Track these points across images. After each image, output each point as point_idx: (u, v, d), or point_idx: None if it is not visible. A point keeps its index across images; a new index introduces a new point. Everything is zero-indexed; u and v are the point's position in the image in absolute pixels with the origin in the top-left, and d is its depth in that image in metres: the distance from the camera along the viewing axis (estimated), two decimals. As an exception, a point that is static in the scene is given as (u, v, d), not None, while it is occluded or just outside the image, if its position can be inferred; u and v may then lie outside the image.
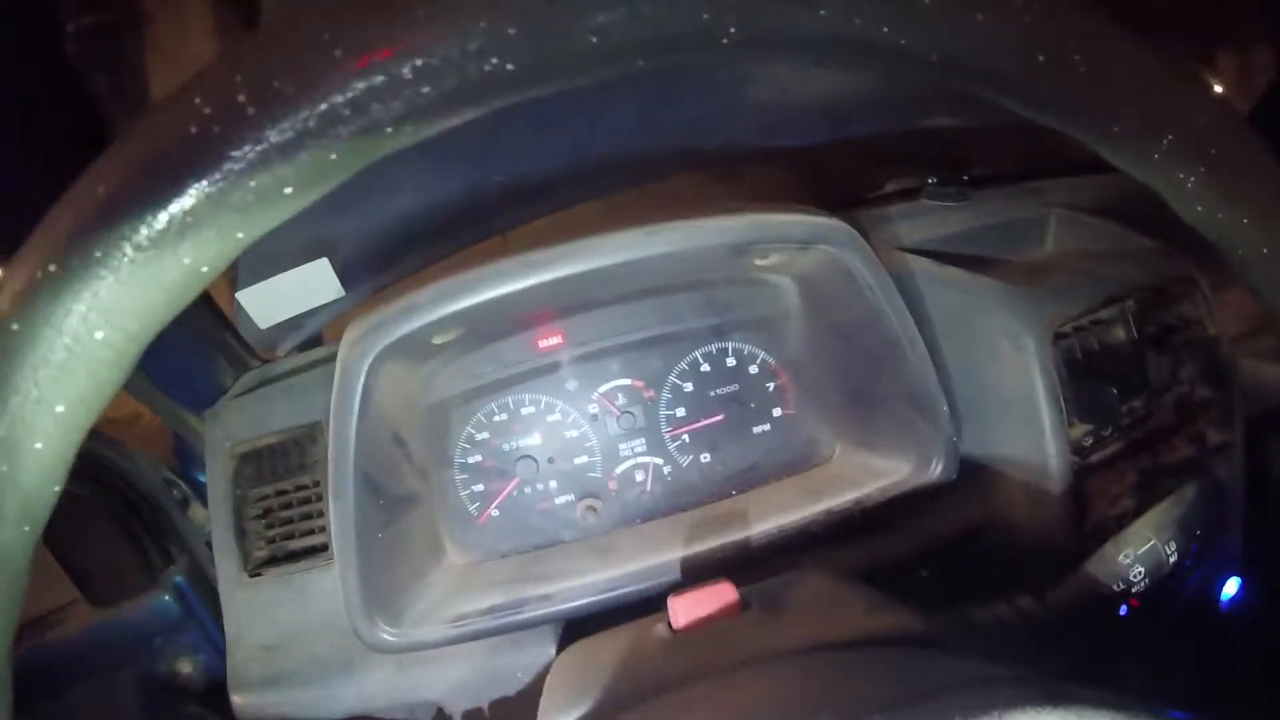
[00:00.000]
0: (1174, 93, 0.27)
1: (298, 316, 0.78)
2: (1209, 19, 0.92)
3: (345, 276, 0.77)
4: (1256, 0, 0.91)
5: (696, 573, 0.66)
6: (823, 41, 0.23)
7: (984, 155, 0.98)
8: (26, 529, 0.24)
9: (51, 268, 0.21)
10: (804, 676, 0.36)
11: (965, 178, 0.92)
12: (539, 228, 0.87)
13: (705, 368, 0.78)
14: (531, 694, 0.69)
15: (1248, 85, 0.89)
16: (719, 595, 0.48)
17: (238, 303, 0.75)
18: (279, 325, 0.78)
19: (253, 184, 0.21)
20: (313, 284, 0.76)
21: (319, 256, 0.75)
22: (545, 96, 0.23)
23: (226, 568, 0.72)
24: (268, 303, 0.75)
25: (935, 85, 0.26)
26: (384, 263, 0.83)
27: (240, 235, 0.23)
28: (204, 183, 0.21)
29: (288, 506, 0.73)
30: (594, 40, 0.21)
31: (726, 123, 0.90)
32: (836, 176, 1.10)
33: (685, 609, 0.47)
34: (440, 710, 0.69)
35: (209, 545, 0.79)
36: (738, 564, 0.67)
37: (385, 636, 0.61)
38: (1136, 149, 0.28)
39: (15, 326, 0.21)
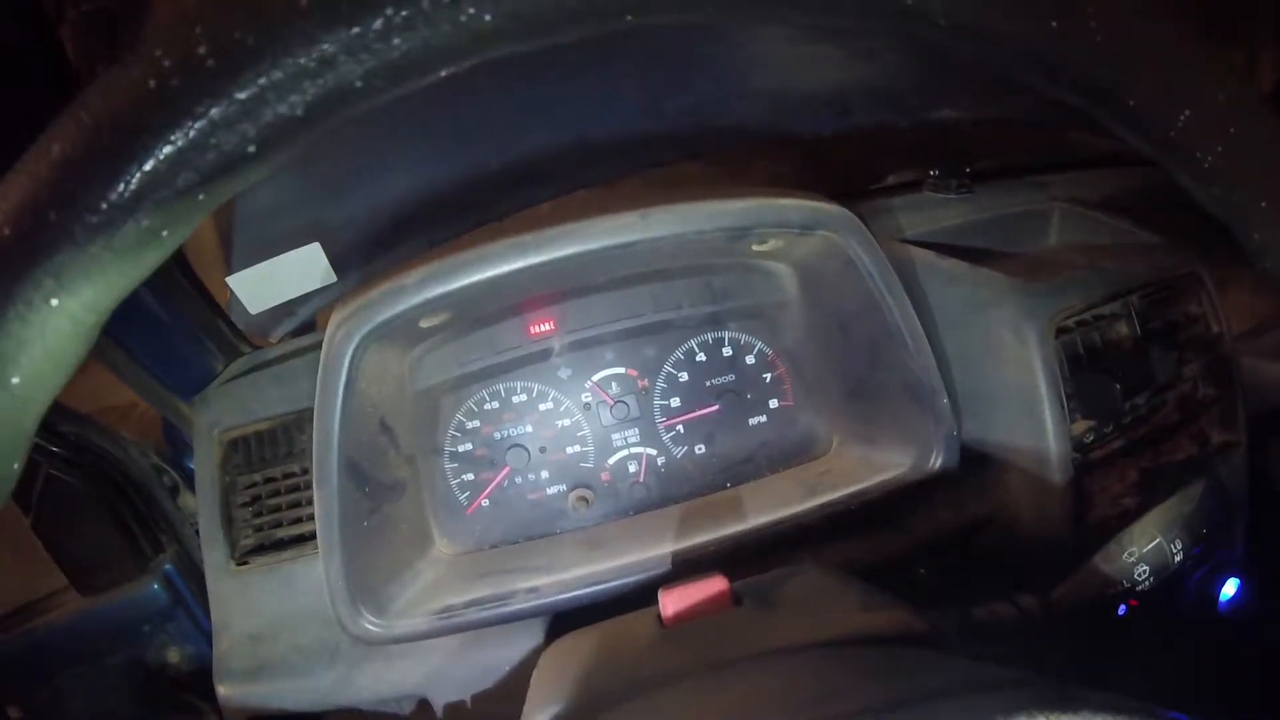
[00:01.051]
0: (1193, 66, 0.26)
1: (290, 302, 0.77)
2: (1212, 23, 0.91)
3: (339, 262, 0.76)
4: (1259, 5, 0.90)
5: (689, 567, 0.64)
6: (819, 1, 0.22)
7: (987, 148, 0.97)
8: None
9: (4, 231, 0.20)
10: (798, 675, 0.35)
11: (968, 170, 0.91)
12: (538, 214, 0.86)
13: (701, 357, 0.77)
14: (520, 687, 0.67)
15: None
16: (710, 589, 0.47)
17: (229, 287, 0.74)
18: (271, 311, 0.77)
19: (214, 142, 0.20)
20: (305, 269, 0.75)
21: (312, 241, 0.74)
22: (540, 73, 0.21)
23: (213, 556, 0.71)
24: (259, 287, 0.74)
25: (945, 53, 0.25)
26: (379, 248, 0.82)
27: (202, 197, 0.21)
28: (162, 141, 0.20)
29: (275, 494, 0.72)
30: None
31: (729, 110, 0.89)
32: (839, 166, 1.09)
33: (675, 603, 0.46)
34: (427, 703, 0.68)
35: (198, 533, 0.78)
36: (732, 558, 0.66)
37: (369, 627, 0.60)
38: (1153, 125, 0.26)
39: None
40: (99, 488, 0.76)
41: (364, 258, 0.81)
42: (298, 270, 0.75)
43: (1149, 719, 0.26)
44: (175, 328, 0.75)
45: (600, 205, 0.62)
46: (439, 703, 0.68)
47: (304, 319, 0.83)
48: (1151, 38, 0.25)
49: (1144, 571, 0.55)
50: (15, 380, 0.21)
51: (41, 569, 0.74)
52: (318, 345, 0.76)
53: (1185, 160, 0.27)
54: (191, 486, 0.83)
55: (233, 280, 0.73)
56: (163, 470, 0.83)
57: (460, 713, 0.68)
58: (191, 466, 0.79)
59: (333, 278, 0.76)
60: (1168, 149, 0.27)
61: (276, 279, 0.75)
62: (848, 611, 0.45)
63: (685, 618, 0.46)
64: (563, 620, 0.67)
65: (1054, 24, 0.24)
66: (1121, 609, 0.58)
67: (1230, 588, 0.77)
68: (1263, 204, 0.27)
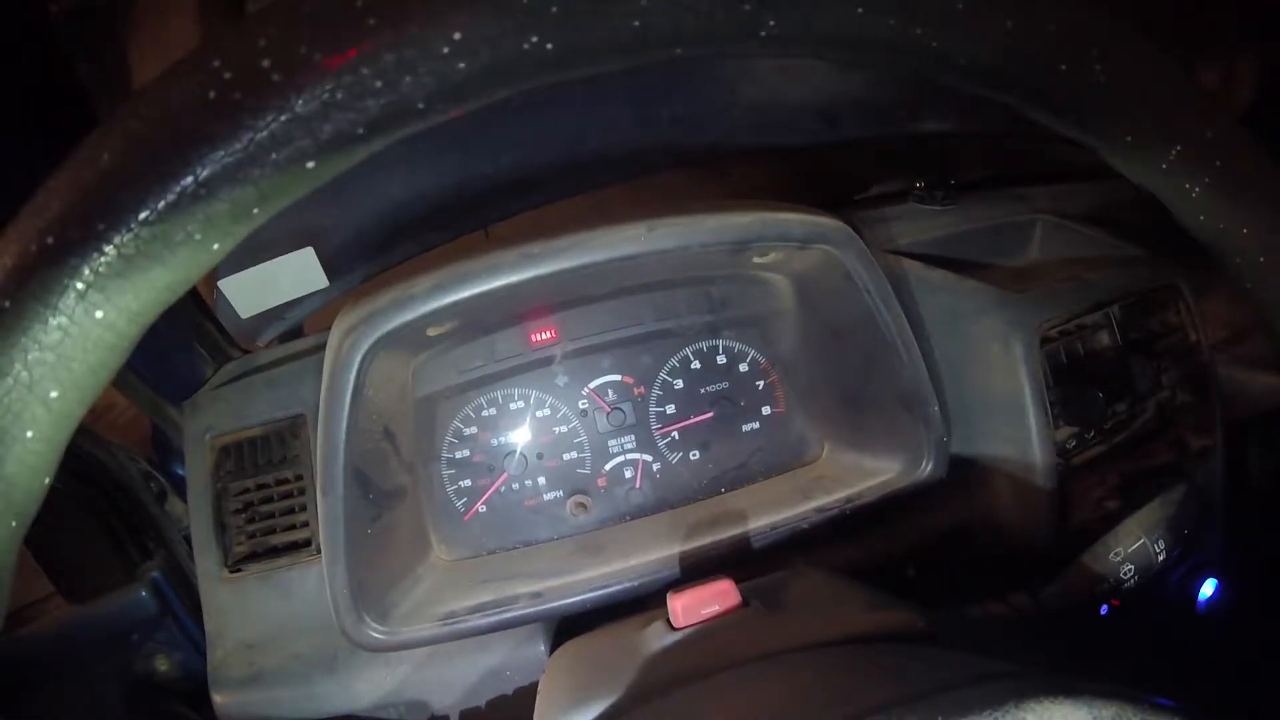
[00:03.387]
0: (1185, 104, 0.28)
1: (280, 307, 0.76)
2: (1191, 31, 0.94)
3: (329, 266, 0.75)
4: (1238, 13, 0.93)
5: (687, 570, 0.65)
6: (856, 41, 0.23)
7: (972, 160, 0.99)
8: (13, 524, 0.22)
9: (49, 241, 0.20)
10: (811, 674, 0.36)
11: (952, 182, 0.93)
12: (523, 222, 0.86)
13: (695, 365, 0.78)
14: (524, 694, 0.68)
15: (1229, 98, 0.91)
16: (720, 593, 0.47)
17: (219, 291, 0.73)
18: (261, 315, 0.76)
19: (273, 156, 0.20)
20: (297, 273, 0.74)
21: (304, 245, 0.74)
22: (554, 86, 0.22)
23: (206, 563, 0.70)
24: (250, 291, 0.74)
25: (960, 90, 0.26)
26: (369, 253, 0.81)
27: (256, 211, 0.22)
28: (221, 153, 0.20)
29: (269, 501, 0.71)
30: (635, 24, 0.20)
31: (717, 121, 0.90)
32: (824, 177, 1.11)
33: (685, 605, 0.47)
34: (429, 711, 0.68)
35: (187, 540, 0.77)
36: (728, 562, 0.67)
37: (373, 634, 0.60)
38: (1146, 159, 0.28)
39: (6, 304, 0.20)
40: (87, 494, 0.75)
41: (354, 263, 0.80)
42: (290, 274, 0.74)
43: (1143, 705, 0.27)
44: (165, 331, 0.74)
45: (589, 215, 0.62)
46: (441, 710, 0.68)
47: (293, 324, 0.82)
48: (1150, 80, 0.27)
49: (1129, 570, 0.57)
50: (54, 394, 0.21)
51: (28, 576, 0.73)
52: (310, 350, 0.76)
53: (1174, 190, 0.29)
54: (179, 492, 0.82)
55: (224, 284, 0.73)
56: (150, 476, 0.82)
57: (461, 718, 0.68)
58: (179, 472, 0.78)
59: (325, 282, 0.76)
60: (1157, 181, 0.29)
61: (268, 283, 0.74)
62: (853, 612, 0.47)
63: (694, 620, 0.47)
64: (564, 625, 0.67)
65: (1063, 67, 0.25)
66: (1104, 609, 0.60)
67: (1208, 588, 0.79)
68: (1244, 230, 0.30)
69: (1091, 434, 0.73)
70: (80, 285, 0.20)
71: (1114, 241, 0.83)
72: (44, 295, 0.20)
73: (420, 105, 0.21)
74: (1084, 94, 0.26)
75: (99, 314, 0.21)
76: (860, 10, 0.22)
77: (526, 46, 0.20)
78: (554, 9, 0.20)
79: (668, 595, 0.48)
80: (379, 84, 0.20)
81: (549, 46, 0.20)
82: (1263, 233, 0.30)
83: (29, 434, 0.21)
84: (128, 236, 0.20)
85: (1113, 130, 0.27)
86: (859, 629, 0.44)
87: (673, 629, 0.47)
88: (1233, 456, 0.81)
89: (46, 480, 0.23)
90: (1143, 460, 0.76)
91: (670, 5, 0.21)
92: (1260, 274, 0.31)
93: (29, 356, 0.20)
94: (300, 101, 0.20)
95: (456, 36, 0.20)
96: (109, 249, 0.20)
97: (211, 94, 0.20)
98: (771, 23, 0.22)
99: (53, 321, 0.20)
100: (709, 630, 0.46)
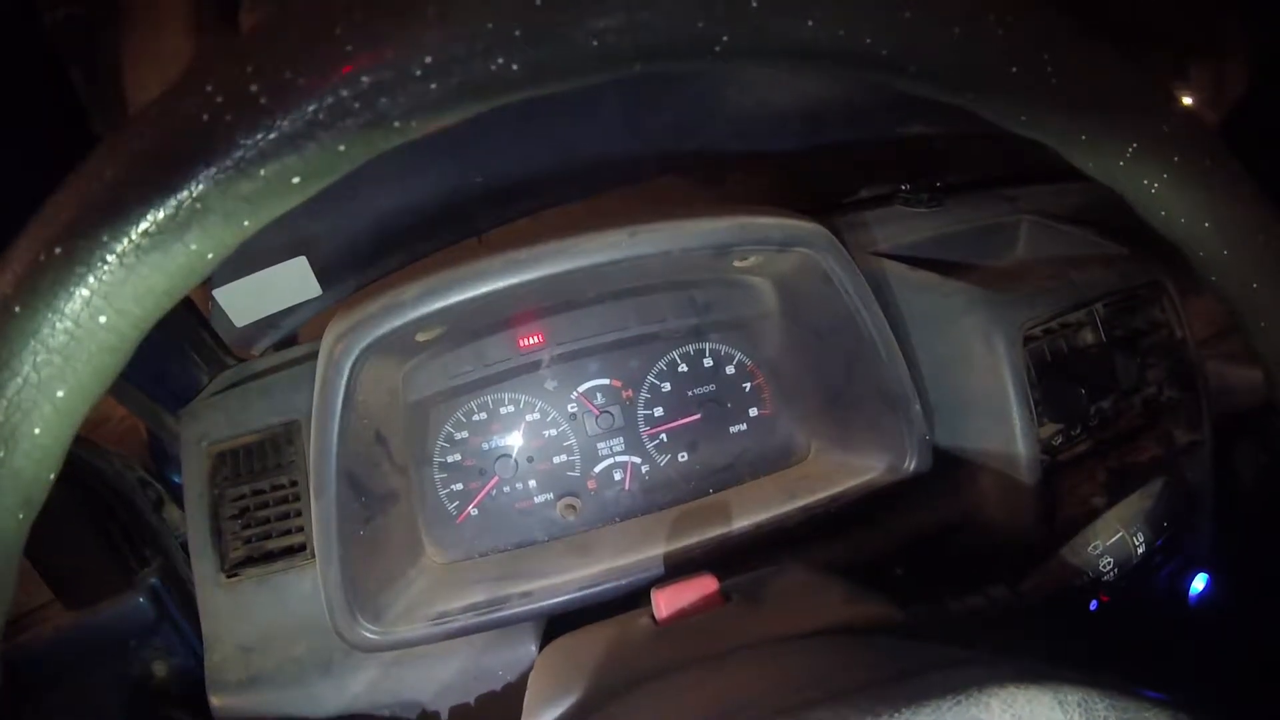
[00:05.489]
0: (1139, 103, 0.29)
1: (274, 315, 0.77)
2: (1183, 30, 0.94)
3: (323, 275, 0.76)
4: (1230, 12, 0.93)
5: (676, 569, 0.66)
6: (809, 51, 0.24)
7: (957, 162, 1.00)
8: (21, 516, 0.24)
9: (57, 251, 0.21)
10: (785, 662, 0.37)
11: (938, 184, 0.94)
12: (517, 228, 0.87)
13: (683, 368, 0.79)
14: (514, 691, 0.69)
15: (1221, 96, 0.92)
16: (701, 587, 0.49)
17: (214, 300, 0.74)
18: (255, 324, 0.77)
19: (262, 173, 0.22)
20: (290, 282, 0.75)
21: (297, 255, 0.75)
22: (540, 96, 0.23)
23: (203, 568, 0.71)
24: (245, 300, 0.75)
25: (916, 95, 0.27)
26: (362, 262, 0.82)
27: (247, 223, 0.23)
28: (214, 170, 0.21)
29: (264, 506, 0.72)
30: (594, 44, 0.22)
31: (706, 127, 0.91)
32: (813, 181, 1.12)
33: (668, 601, 0.48)
34: (422, 709, 0.69)
35: (183, 546, 0.78)
36: (716, 561, 0.68)
37: (367, 634, 0.61)
38: (1102, 156, 0.29)
39: (17, 309, 0.21)
40: (85, 502, 0.75)
41: (347, 272, 0.81)
42: (284, 283, 0.75)
43: (1109, 691, 0.28)
44: (161, 340, 0.75)
45: (580, 222, 0.64)
46: (435, 709, 0.69)
47: (287, 332, 0.83)
48: (1102, 80, 0.28)
49: (1108, 563, 0.57)
50: (61, 394, 0.23)
51: (27, 583, 0.74)
52: (304, 358, 0.77)
53: (1133, 187, 0.30)
54: (175, 499, 0.83)
55: (219, 293, 0.74)
56: (147, 484, 0.83)
57: (456, 717, 0.68)
58: (175, 479, 0.79)
59: (318, 291, 0.77)
60: (1116, 177, 0.30)
61: (262, 292, 0.75)
62: (830, 605, 0.48)
63: (677, 615, 0.48)
64: (555, 625, 0.68)
65: (1014, 70, 0.26)
66: (1094, 605, 0.60)
67: (1199, 583, 0.79)
68: (1205, 224, 0.30)
69: (1077, 430, 0.73)
70: (86, 292, 0.22)
71: (1099, 240, 0.84)
72: (52, 301, 0.22)
73: (397, 123, 0.22)
74: (1037, 96, 0.27)
75: (103, 319, 0.22)
76: (810, 23, 0.23)
77: (493, 67, 0.21)
78: (517, 32, 0.21)
79: (651, 591, 0.49)
80: (358, 105, 0.21)
81: (514, 67, 0.22)
82: (1223, 225, 0.31)
83: (37, 430, 0.23)
84: (130, 247, 0.22)
85: (1069, 129, 0.28)
86: (836, 621, 0.45)
87: (656, 624, 0.48)
88: (1221, 452, 0.82)
89: (52, 475, 0.24)
90: (1130, 456, 0.76)
91: (626, 26, 0.22)
92: (1222, 267, 0.32)
93: (38, 358, 0.22)
94: (286, 122, 0.21)
95: (428, 60, 0.21)
96: (112, 258, 0.22)
97: (205, 116, 0.21)
98: (725, 38, 0.23)
99: (60, 326, 0.22)
100: (690, 624, 0.47)
